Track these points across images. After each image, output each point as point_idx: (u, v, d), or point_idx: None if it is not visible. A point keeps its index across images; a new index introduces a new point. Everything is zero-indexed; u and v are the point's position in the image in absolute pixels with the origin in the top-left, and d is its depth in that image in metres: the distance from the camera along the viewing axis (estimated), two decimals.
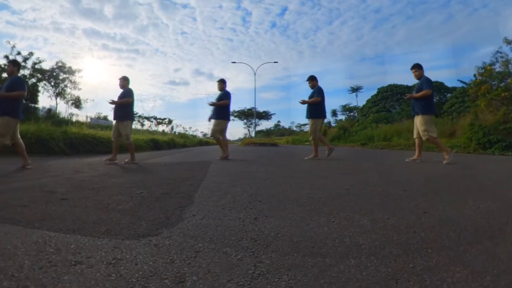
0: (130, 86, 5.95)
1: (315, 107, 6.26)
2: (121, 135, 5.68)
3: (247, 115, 63.18)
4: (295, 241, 1.35)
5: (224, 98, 6.49)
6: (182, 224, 1.62)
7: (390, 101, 26.77)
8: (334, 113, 60.32)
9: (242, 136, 69.66)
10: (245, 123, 68.53)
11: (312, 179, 3.31)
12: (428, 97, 5.15)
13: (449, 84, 27.54)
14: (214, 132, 6.56)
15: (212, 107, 6.65)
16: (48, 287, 0.95)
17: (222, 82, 6.67)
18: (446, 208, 1.92)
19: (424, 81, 5.26)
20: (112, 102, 5.72)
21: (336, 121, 49.02)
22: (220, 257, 1.17)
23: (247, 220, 1.69)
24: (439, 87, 26.66)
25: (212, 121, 6.64)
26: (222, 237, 1.40)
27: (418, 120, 5.25)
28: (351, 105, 58.73)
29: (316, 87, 6.37)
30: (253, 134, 48.97)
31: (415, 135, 5.38)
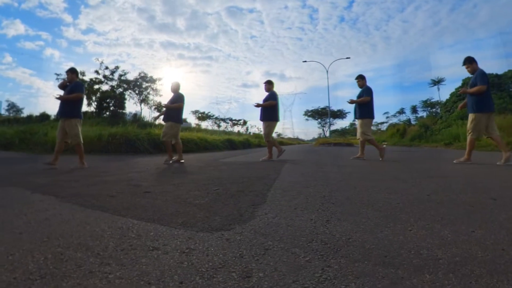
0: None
1: (269, 110, 6.55)
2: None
3: (321, 114, 61.88)
4: (367, 248, 1.26)
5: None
6: (254, 222, 1.66)
7: None
8: (414, 109, 55.22)
9: (316, 136, 68.71)
10: (319, 123, 67.29)
11: (389, 182, 3.07)
12: (366, 103, 6.23)
13: None
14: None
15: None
16: (127, 267, 1.08)
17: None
18: None
19: (364, 90, 6.32)
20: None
21: (417, 118, 44.65)
22: (289, 257, 1.17)
23: (319, 222, 1.65)
24: None
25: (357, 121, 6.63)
26: (292, 237, 1.39)
27: (358, 123, 6.39)
28: (432, 100, 53.65)
29: (271, 91, 6.67)
30: (327, 134, 47.75)
31: (358, 136, 6.50)
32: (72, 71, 5.41)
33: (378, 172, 4.02)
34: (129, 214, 1.84)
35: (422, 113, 53.80)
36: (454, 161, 5.35)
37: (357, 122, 6.43)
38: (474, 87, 5.00)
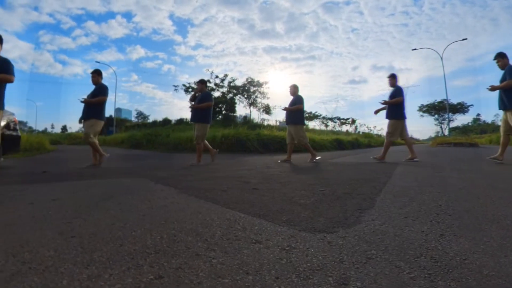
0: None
1: (205, 112, 6.13)
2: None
3: (438, 109, 53.15)
4: (484, 273, 1.04)
5: (297, 103, 6.63)
6: (359, 227, 1.59)
7: None
8: None
9: (433, 135, 60.00)
10: (436, 119, 58.05)
11: None
12: (299, 111, 6.62)
13: None
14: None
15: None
16: (229, 255, 1.18)
17: (294, 87, 6.81)
18: None
19: (297, 99, 6.65)
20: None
21: None
22: (391, 270, 1.07)
23: (431, 235, 1.46)
24: None
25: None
26: (399, 249, 1.27)
27: (292, 129, 6.67)
28: None
29: (205, 92, 6.35)
30: (446, 132, 41.16)
31: (288, 141, 6.82)
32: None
33: (508, 180, 3.31)
34: (237, 207, 2.00)
35: None
36: (371, 157, 6.63)
37: (290, 127, 6.73)
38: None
